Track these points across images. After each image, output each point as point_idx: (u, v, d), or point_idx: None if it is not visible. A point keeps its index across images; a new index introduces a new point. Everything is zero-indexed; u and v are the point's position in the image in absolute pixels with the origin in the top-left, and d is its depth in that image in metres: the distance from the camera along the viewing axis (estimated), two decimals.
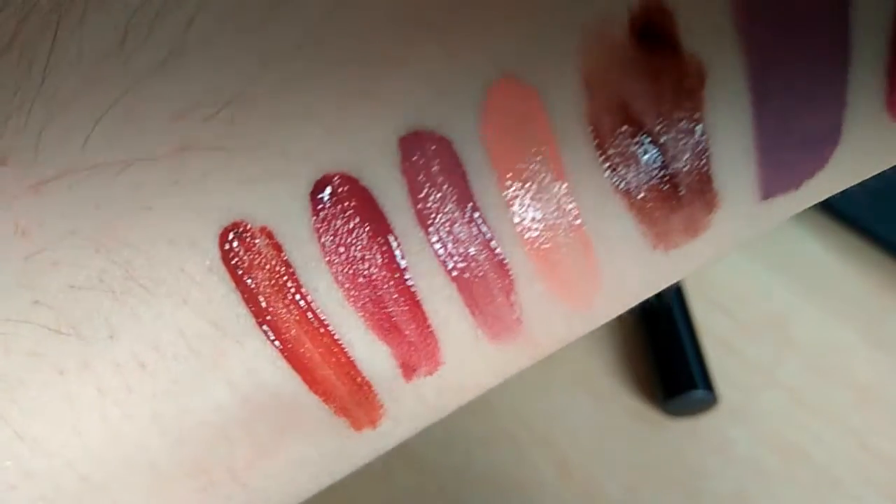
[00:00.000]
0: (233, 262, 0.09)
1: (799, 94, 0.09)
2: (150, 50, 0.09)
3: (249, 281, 0.09)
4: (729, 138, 0.09)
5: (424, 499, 0.24)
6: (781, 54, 0.09)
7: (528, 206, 0.09)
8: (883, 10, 0.08)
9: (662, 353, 0.26)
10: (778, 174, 0.09)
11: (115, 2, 0.09)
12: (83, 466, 0.09)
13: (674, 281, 0.11)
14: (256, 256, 0.09)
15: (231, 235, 0.09)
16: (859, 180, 0.10)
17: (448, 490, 0.24)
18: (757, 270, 0.30)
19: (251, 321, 0.09)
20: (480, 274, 0.09)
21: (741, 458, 0.25)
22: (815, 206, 0.32)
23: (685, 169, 0.09)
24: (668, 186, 0.09)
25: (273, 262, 0.09)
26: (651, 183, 0.09)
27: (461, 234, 0.09)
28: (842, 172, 0.10)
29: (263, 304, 0.09)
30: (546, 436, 0.25)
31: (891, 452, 0.25)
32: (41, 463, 0.09)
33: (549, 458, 0.25)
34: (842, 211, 0.30)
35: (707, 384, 0.25)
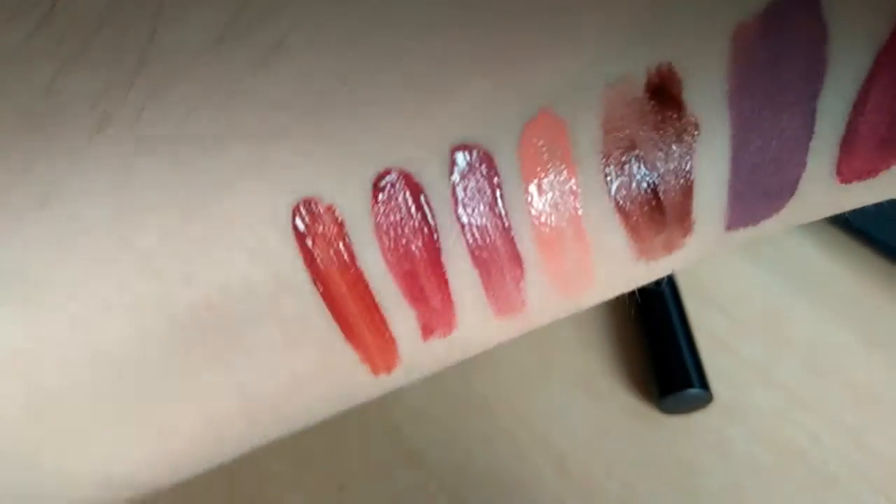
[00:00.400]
0: (300, 230, 0.11)
1: (768, 156, 0.11)
2: (253, 48, 0.10)
3: (312, 247, 0.11)
4: (708, 182, 0.11)
5: (425, 497, 0.24)
6: (760, 126, 0.11)
7: (545, 213, 0.11)
8: (844, 101, 0.11)
9: (658, 351, 0.26)
10: (742, 213, 0.12)
11: None
12: (142, 380, 0.11)
13: (645, 283, 0.13)
14: (321, 228, 0.11)
15: (302, 209, 0.11)
16: (805, 222, 0.13)
17: (448, 488, 0.24)
18: (752, 269, 0.31)
19: (308, 278, 0.11)
20: (499, 263, 0.12)
21: (736, 455, 0.25)
22: None
23: (672, 201, 0.11)
24: (656, 212, 0.11)
25: (334, 235, 0.11)
26: (644, 208, 0.11)
27: (488, 229, 0.11)
28: (793, 216, 0.12)
29: (321, 267, 0.11)
30: (544, 434, 0.26)
31: (885, 450, 0.25)
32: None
33: (547, 455, 0.25)
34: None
35: (702, 382, 0.26)
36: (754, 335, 0.28)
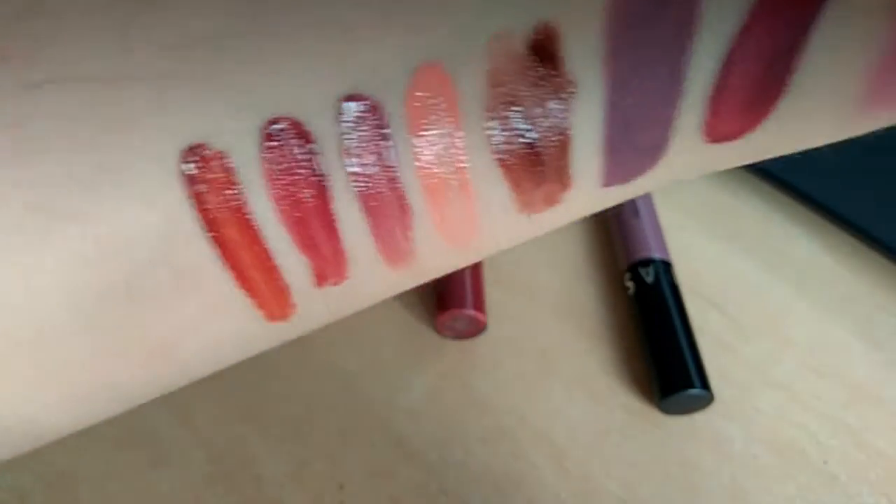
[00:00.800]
0: (190, 175, 0.11)
1: (640, 114, 0.12)
2: None
3: (202, 192, 0.11)
4: (584, 137, 0.12)
5: (425, 497, 0.24)
6: (632, 84, 0.11)
7: (431, 163, 0.12)
8: (713, 62, 0.11)
9: (659, 351, 0.26)
10: (617, 170, 0.12)
11: None
12: (36, 319, 0.11)
13: (532, 237, 0.14)
14: (210, 173, 0.11)
15: (191, 154, 0.11)
16: (678, 180, 0.13)
17: (448, 488, 0.24)
18: (752, 270, 0.31)
19: (200, 224, 0.11)
20: (388, 211, 0.12)
21: (737, 455, 0.25)
22: (810, 205, 0.32)
23: (550, 154, 0.12)
24: (536, 166, 0.12)
25: (223, 181, 0.11)
26: (525, 162, 0.12)
27: (377, 177, 0.12)
28: (666, 174, 0.13)
29: (211, 213, 0.11)
30: (545, 434, 0.26)
31: (885, 449, 0.25)
32: None
33: (547, 455, 0.25)
34: (836, 211, 0.31)
35: (703, 382, 0.26)
36: (755, 335, 0.28)
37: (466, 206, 0.12)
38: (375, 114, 0.11)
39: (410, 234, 0.12)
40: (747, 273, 0.30)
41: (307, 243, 0.12)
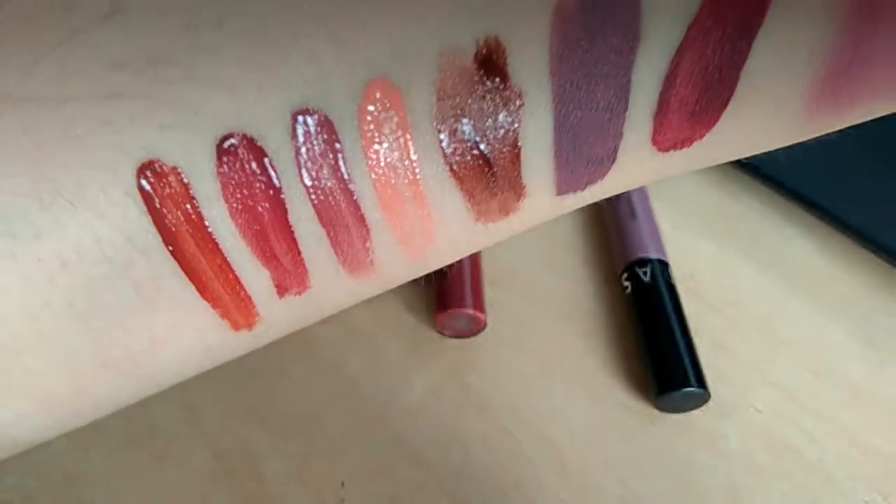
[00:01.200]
0: (146, 190, 0.11)
1: (587, 126, 0.12)
2: (94, 4, 0.10)
3: (159, 207, 0.11)
4: (534, 148, 0.12)
5: (424, 495, 0.24)
6: (578, 97, 0.12)
7: (385, 176, 0.12)
8: (656, 75, 0.12)
9: (656, 350, 0.27)
10: (569, 179, 0.13)
11: None
12: (3, 337, 0.12)
13: (490, 245, 0.14)
14: (166, 189, 0.11)
15: (147, 171, 0.11)
16: (630, 188, 0.14)
17: (447, 486, 0.24)
18: (748, 270, 0.31)
19: (158, 239, 0.11)
20: (345, 223, 0.12)
21: (733, 453, 0.25)
22: (806, 207, 0.32)
23: (502, 165, 0.12)
24: (489, 177, 0.12)
25: (180, 196, 0.11)
26: (477, 173, 0.12)
27: (333, 192, 0.12)
28: (619, 181, 0.13)
29: (170, 227, 0.11)
30: (543, 433, 0.26)
31: (881, 448, 0.25)
32: None
33: (545, 454, 0.25)
34: (833, 211, 0.31)
35: (699, 381, 0.26)
36: (751, 335, 0.29)
37: (422, 216, 0.12)
38: (327, 128, 0.11)
39: (369, 244, 0.13)
40: (744, 273, 0.31)
41: (266, 255, 0.12)
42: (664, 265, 0.29)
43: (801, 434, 0.26)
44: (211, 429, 0.26)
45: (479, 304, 0.28)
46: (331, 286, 0.13)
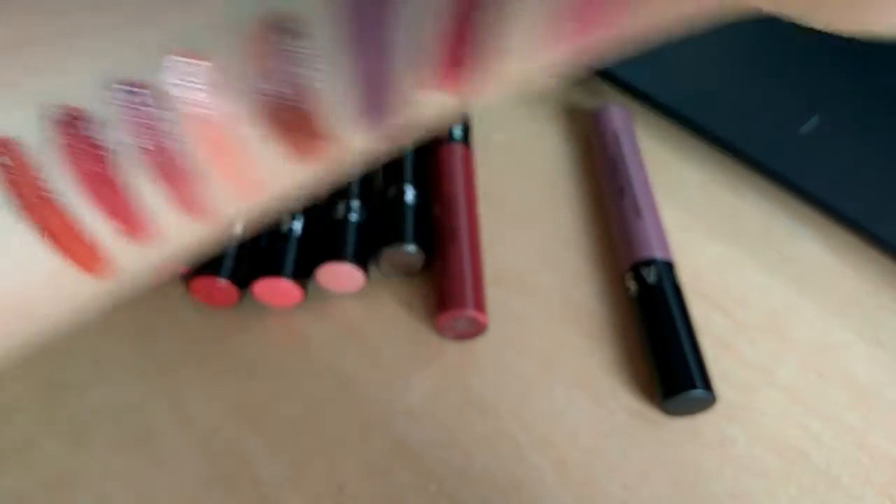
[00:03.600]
0: None
1: (370, 76, 0.14)
2: None
3: (10, 176, 0.13)
4: (330, 94, 0.14)
5: (425, 497, 0.24)
6: (359, 50, 0.13)
7: (204, 129, 0.13)
8: (423, 30, 0.13)
9: (661, 352, 0.26)
10: (369, 119, 0.14)
11: None
12: None
13: (322, 179, 0.16)
14: (12, 160, 0.13)
15: None
16: (433, 128, 0.15)
17: (448, 489, 0.24)
18: (755, 270, 0.30)
19: (18, 204, 0.13)
20: (175, 174, 0.14)
21: (739, 456, 0.25)
22: (814, 205, 0.32)
23: (305, 111, 0.14)
24: (296, 121, 0.14)
25: (24, 165, 0.13)
26: (285, 118, 0.14)
27: (159, 147, 0.13)
28: (421, 115, 0.15)
29: (16, 189, 0.13)
30: (545, 435, 0.26)
31: (889, 451, 0.25)
32: None
33: (548, 457, 0.25)
34: (841, 210, 0.31)
35: (705, 383, 0.25)
36: (758, 336, 0.28)
37: (245, 162, 0.14)
38: (143, 93, 0.13)
39: (202, 191, 0.14)
40: (750, 273, 0.30)
41: (111, 210, 0.14)
42: (670, 265, 0.28)
43: (809, 437, 0.26)
44: (205, 432, 0.25)
45: (480, 306, 0.27)
46: (178, 230, 0.15)
